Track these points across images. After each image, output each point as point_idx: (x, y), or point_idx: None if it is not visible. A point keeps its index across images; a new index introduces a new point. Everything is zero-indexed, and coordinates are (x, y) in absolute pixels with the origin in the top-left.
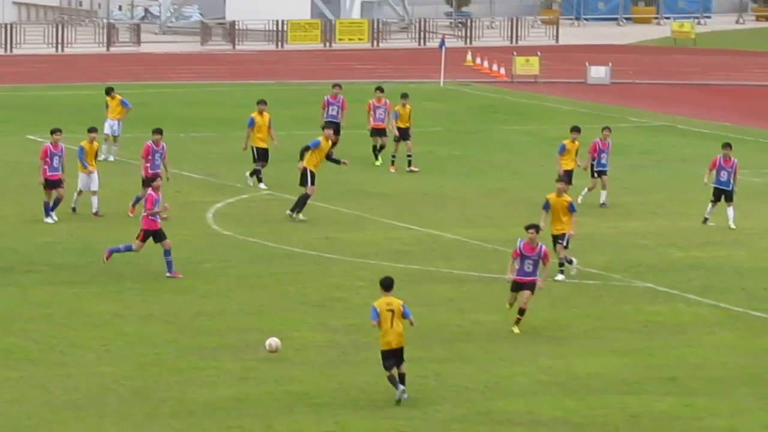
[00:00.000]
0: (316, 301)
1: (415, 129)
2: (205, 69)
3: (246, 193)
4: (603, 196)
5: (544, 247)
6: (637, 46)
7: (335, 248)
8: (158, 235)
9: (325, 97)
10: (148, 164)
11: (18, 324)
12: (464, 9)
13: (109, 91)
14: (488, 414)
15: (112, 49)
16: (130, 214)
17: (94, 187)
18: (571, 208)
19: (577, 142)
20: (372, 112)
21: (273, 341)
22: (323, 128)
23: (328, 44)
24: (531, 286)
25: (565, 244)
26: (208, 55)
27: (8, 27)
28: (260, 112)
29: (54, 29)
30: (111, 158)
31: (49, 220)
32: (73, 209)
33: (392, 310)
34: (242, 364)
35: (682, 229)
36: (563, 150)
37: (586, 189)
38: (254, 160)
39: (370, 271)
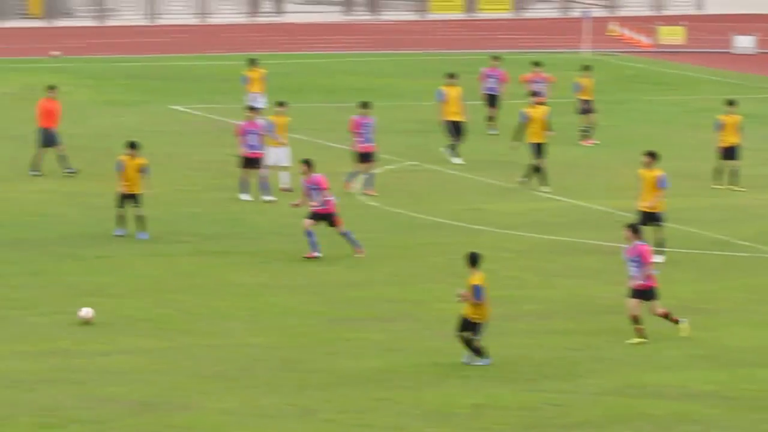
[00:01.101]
0: (462, 272)
1: (558, 100)
2: (347, 38)
3: (392, 163)
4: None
5: (640, 244)
6: None
7: (482, 219)
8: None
9: (483, 69)
10: (361, 138)
11: (167, 294)
12: None
13: (251, 63)
14: (639, 387)
15: (255, 19)
16: (348, 189)
17: (284, 162)
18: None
19: (735, 116)
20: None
21: (85, 311)
22: (485, 100)
23: (471, 14)
24: (647, 293)
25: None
26: (350, 24)
27: None
28: (450, 86)
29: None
30: None
31: (245, 196)
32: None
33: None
34: (390, 335)
35: None
36: (720, 126)
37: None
38: (449, 135)
39: (517, 243)
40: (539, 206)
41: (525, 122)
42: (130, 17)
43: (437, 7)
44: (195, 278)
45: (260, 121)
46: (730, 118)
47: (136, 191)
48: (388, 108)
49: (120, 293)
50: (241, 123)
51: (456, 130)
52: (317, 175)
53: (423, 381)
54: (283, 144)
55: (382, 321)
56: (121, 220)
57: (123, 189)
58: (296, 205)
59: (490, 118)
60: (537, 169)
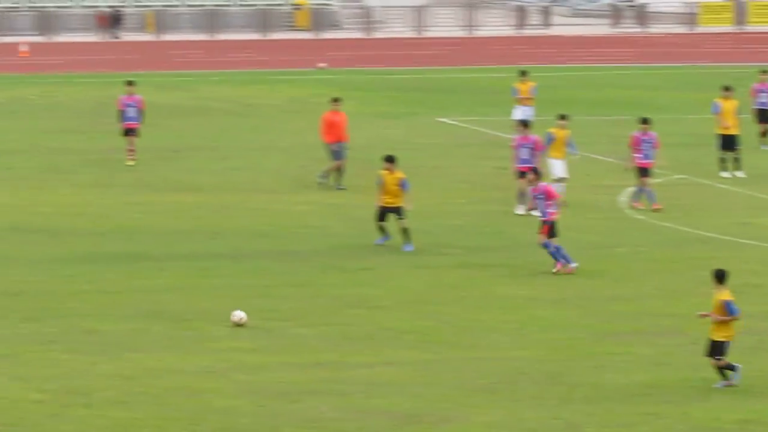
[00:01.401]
0: (731, 286)
1: None
2: (615, 51)
3: (659, 177)
4: None
5: None
6: None
7: (750, 234)
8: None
9: (753, 85)
10: (639, 155)
11: (431, 306)
12: None
13: (522, 75)
14: None
15: (522, 32)
16: (636, 206)
17: (559, 174)
18: None
19: None
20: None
21: (238, 314)
22: (756, 116)
23: (740, 26)
24: None
25: None
26: (618, 37)
27: (420, 10)
28: (726, 98)
29: (464, 12)
30: None
31: (520, 210)
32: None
33: None
34: (657, 349)
35: None
36: None
37: None
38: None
39: None
40: None
41: None
42: (398, 29)
43: (707, 20)
44: (459, 290)
45: (533, 135)
46: None
47: (397, 204)
48: (656, 121)
49: (384, 305)
50: (515, 137)
51: (729, 143)
52: (545, 184)
53: (689, 396)
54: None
55: (649, 335)
56: (382, 230)
57: (383, 203)
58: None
59: (764, 134)
60: None
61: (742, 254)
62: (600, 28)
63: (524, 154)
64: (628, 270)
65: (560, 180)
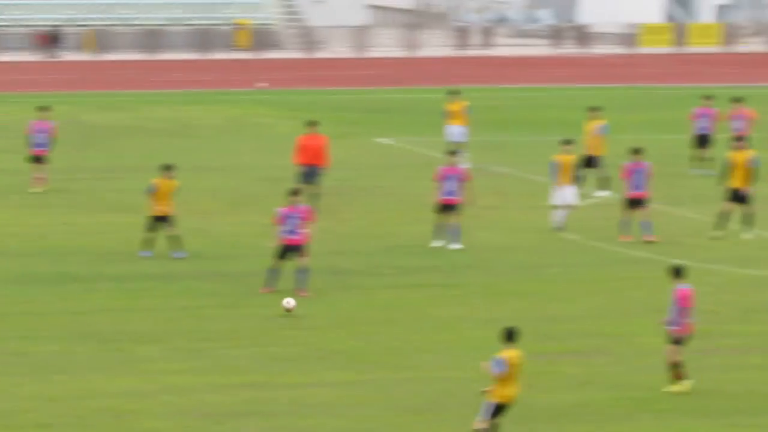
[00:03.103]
0: (661, 306)
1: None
2: (556, 72)
3: (592, 198)
4: None
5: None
6: None
7: (681, 253)
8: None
9: (694, 109)
10: (631, 185)
11: (362, 327)
12: None
13: (452, 94)
14: None
15: (463, 52)
16: (624, 239)
17: (569, 201)
18: None
19: None
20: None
21: (289, 302)
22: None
23: (679, 47)
24: None
25: None
26: (559, 57)
27: (361, 30)
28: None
29: (405, 32)
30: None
31: (435, 244)
32: (558, 228)
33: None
34: (585, 369)
35: None
36: None
37: None
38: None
39: (716, 277)
40: (742, 240)
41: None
42: (339, 50)
43: (647, 41)
44: (391, 311)
45: (462, 166)
46: None
47: (169, 212)
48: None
49: (315, 325)
50: (441, 167)
51: (590, 163)
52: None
53: (615, 415)
54: (565, 184)
55: (577, 355)
56: (149, 243)
57: (156, 212)
58: None
59: (699, 159)
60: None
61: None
62: (541, 48)
63: (450, 186)
64: (559, 290)
65: (569, 207)
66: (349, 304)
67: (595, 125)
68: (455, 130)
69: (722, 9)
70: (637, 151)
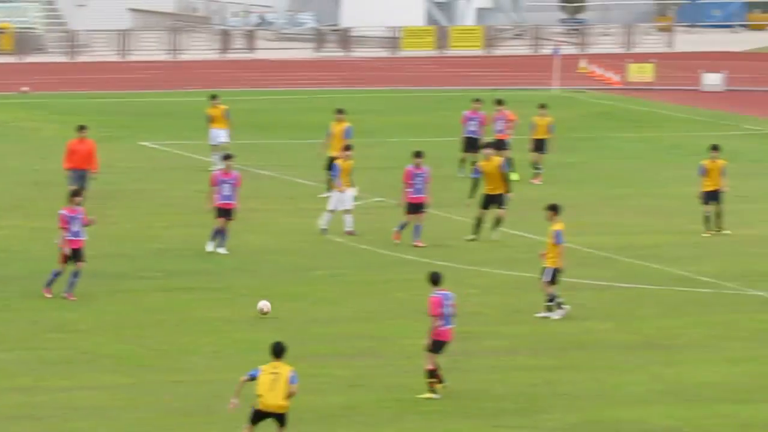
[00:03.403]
0: (426, 308)
1: (523, 136)
2: (319, 75)
3: (359, 200)
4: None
5: None
6: (753, 53)
7: (447, 256)
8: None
9: (465, 112)
10: (410, 189)
11: (130, 330)
12: (578, 16)
13: (213, 99)
14: (598, 422)
15: (226, 56)
16: (396, 240)
17: (347, 205)
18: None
19: (719, 161)
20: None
21: (263, 305)
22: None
23: (441, 51)
24: None
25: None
26: (322, 61)
27: (124, 34)
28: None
29: (168, 36)
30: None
31: (209, 247)
32: (324, 230)
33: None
34: (353, 371)
35: None
36: (703, 171)
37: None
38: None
39: (481, 279)
40: (506, 243)
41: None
42: (102, 53)
43: (409, 44)
44: (158, 314)
45: (235, 171)
46: (714, 164)
47: None
48: (358, 145)
49: (82, 329)
50: (216, 172)
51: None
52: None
53: (383, 417)
54: (346, 188)
55: (345, 357)
56: None
57: None
58: None
59: (473, 163)
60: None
61: None
62: (304, 52)
63: (226, 190)
64: (327, 293)
65: (346, 211)
66: (117, 308)
67: (341, 128)
68: (219, 134)
69: (482, 12)
70: (418, 155)
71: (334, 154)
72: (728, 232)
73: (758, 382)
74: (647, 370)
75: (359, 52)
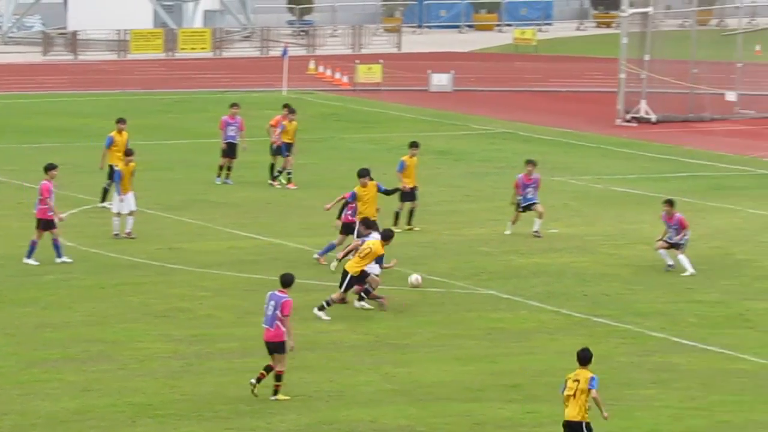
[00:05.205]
0: (159, 311)
1: (256, 138)
2: (47, 79)
3: (88, 204)
4: (536, 225)
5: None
6: (479, 53)
7: (178, 258)
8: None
9: (223, 118)
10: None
11: None
12: (306, 17)
13: None
14: (332, 423)
15: None
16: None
17: (129, 208)
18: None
19: (415, 158)
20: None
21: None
22: (223, 150)
23: (171, 53)
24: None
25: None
26: (50, 65)
27: None
28: (119, 131)
29: None
30: None
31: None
32: (116, 235)
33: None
34: (85, 375)
35: (524, 235)
36: (403, 167)
37: (509, 223)
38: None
39: (213, 281)
40: (236, 245)
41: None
42: None
43: (137, 47)
44: None
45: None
46: (412, 160)
47: None
48: (85, 149)
49: None
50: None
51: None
52: None
53: (117, 421)
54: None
55: (78, 362)
56: None
57: None
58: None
59: (225, 167)
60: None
61: (169, 279)
62: (32, 56)
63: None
64: (58, 297)
65: (131, 213)
66: None
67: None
68: None
69: (210, 14)
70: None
71: (113, 162)
72: (418, 229)
73: (489, 380)
74: (379, 370)
75: (88, 55)
